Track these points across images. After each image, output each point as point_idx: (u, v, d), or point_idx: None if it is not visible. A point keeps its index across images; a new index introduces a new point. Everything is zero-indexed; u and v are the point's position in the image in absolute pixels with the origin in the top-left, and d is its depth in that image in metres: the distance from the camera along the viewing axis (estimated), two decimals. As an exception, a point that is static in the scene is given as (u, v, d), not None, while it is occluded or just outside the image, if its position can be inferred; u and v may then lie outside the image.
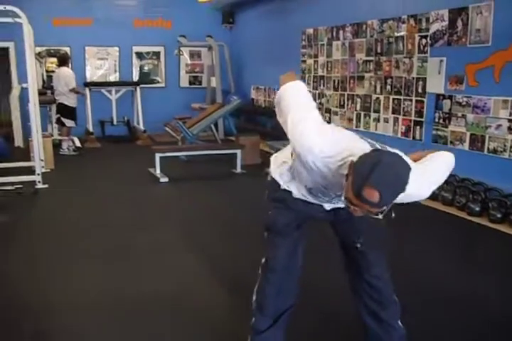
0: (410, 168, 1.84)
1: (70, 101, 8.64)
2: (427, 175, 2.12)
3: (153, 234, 4.60)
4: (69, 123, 8.70)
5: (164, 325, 2.97)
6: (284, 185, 2.34)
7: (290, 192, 2.32)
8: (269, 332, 2.46)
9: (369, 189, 1.76)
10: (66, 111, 8.66)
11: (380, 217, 1.90)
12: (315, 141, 1.97)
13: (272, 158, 2.49)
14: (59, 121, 8.80)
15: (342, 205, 2.22)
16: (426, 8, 6.00)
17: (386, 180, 1.78)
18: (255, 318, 2.50)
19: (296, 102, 2.16)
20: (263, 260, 2.46)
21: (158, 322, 3.00)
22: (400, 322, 2.47)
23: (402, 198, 1.87)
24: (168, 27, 10.93)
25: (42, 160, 6.77)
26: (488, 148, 5.34)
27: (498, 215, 4.86)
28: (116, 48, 10.86)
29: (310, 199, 2.29)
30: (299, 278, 2.47)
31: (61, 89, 8.56)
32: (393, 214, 2.16)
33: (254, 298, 2.51)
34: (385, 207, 1.84)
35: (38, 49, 9.88)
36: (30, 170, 6.35)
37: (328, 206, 2.32)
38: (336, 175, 1.96)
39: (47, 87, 9.50)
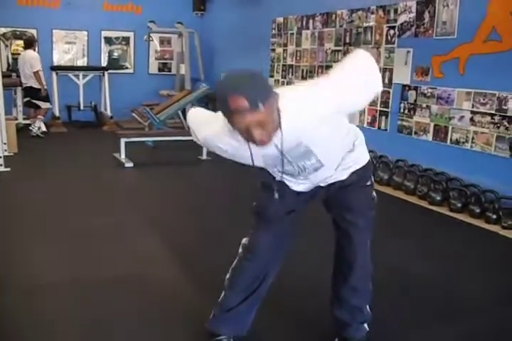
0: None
1: (34, 82, 8.51)
2: (343, 78, 2.01)
3: (114, 217, 4.57)
4: (45, 104, 8.68)
5: (126, 308, 2.96)
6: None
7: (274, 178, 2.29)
8: (238, 309, 2.42)
9: (231, 99, 1.72)
10: (37, 94, 8.58)
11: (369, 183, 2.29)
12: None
13: None
14: (29, 104, 8.71)
15: (323, 182, 2.28)
16: (394, -1, 6.05)
17: (239, 83, 1.77)
18: (224, 295, 2.46)
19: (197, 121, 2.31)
20: (245, 240, 2.43)
21: (121, 305, 2.99)
22: (368, 308, 2.51)
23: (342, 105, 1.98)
24: (139, 12, 10.79)
25: (5, 144, 6.66)
26: (451, 139, 5.43)
27: (458, 205, 4.95)
28: (85, 32, 10.67)
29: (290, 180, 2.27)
30: (281, 262, 2.45)
31: (28, 71, 8.44)
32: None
33: (228, 275, 2.47)
34: (260, 106, 1.74)
35: (3, 30, 9.69)
36: (-8, 153, 6.24)
37: (307, 186, 2.31)
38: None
39: (12, 70, 9.31)
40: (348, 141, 2.24)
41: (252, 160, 2.03)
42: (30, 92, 8.61)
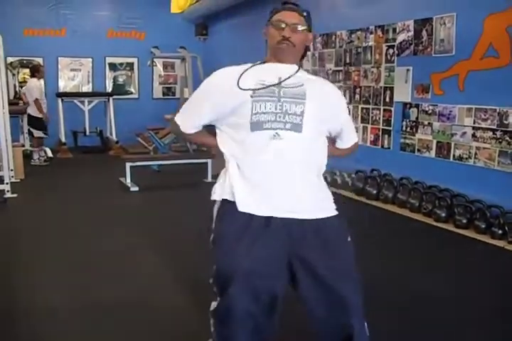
0: None
1: (36, 111, 8.51)
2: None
3: (120, 241, 4.58)
4: (37, 133, 8.62)
5: (127, 330, 2.96)
6: (239, 196, 2.00)
7: (249, 216, 1.97)
8: None
9: (287, 3, 2.12)
10: (33, 122, 8.59)
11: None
12: None
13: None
14: (29, 132, 8.75)
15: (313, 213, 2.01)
16: (392, 19, 6.12)
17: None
18: None
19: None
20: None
21: (122, 327, 2.99)
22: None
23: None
24: (142, 38, 10.97)
25: (12, 170, 6.73)
26: (453, 156, 5.44)
27: (464, 221, 4.94)
28: (90, 59, 10.85)
29: (276, 189, 1.99)
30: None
31: (29, 99, 8.52)
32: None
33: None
34: (305, 15, 2.12)
35: (10, 59, 9.85)
36: (0, 180, 6.30)
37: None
38: None
39: (19, 98, 9.45)
40: (321, 173, 2.13)
41: (239, 86, 2.01)
42: (29, 120, 8.64)
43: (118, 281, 3.68)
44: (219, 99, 2.06)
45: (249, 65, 2.13)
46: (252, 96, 2.01)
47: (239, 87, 2.02)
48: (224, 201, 2.06)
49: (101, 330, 2.95)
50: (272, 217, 1.98)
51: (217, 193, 2.11)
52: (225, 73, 2.14)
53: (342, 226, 2.10)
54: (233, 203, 2.01)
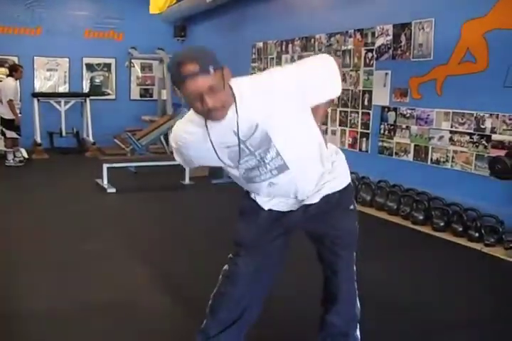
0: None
1: (5, 112, 8.32)
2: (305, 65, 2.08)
3: (99, 244, 4.51)
4: (10, 134, 8.46)
5: (108, 333, 2.92)
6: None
7: (255, 202, 2.23)
8: (218, 339, 2.31)
9: (183, 65, 1.78)
10: (5, 122, 8.41)
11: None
12: None
13: None
14: (1, 132, 8.59)
15: (304, 201, 2.18)
16: (371, 23, 6.16)
17: (190, 52, 1.92)
18: (206, 322, 2.36)
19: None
20: (226, 266, 2.34)
21: (103, 331, 2.95)
22: (358, 332, 2.46)
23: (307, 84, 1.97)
24: (120, 39, 10.89)
25: (-15, 171, 6.62)
26: (431, 159, 5.49)
27: (441, 223, 4.98)
28: (66, 59, 10.72)
29: (265, 192, 2.17)
30: (265, 292, 2.38)
31: (3, 99, 8.32)
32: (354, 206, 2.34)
33: (210, 301, 2.37)
34: (211, 69, 1.80)
35: (-16, 57, 9.70)
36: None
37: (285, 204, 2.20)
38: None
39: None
40: (324, 156, 2.16)
41: (216, 153, 2.01)
42: (1, 120, 8.47)
43: (99, 283, 3.64)
44: (204, 162, 2.25)
45: (197, 127, 1.99)
46: (230, 160, 2.08)
47: (218, 157, 2.05)
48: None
49: (88, 331, 2.93)
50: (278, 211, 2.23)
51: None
52: (189, 142, 2.08)
53: (342, 198, 2.26)
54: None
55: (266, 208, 2.21)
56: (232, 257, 2.32)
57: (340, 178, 2.24)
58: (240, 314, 2.31)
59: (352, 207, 2.33)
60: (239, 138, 1.97)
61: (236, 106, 1.91)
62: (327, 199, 2.20)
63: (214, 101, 1.83)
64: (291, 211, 2.21)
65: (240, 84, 1.95)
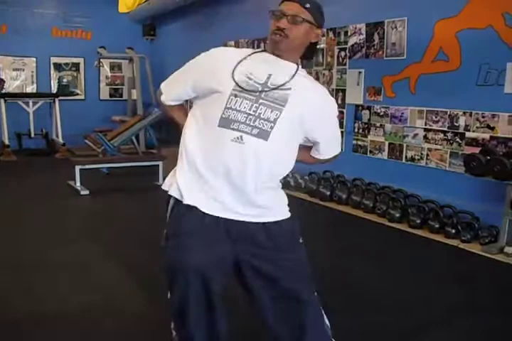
0: None
1: None
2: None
3: (73, 247, 4.43)
4: None
5: (87, 337, 2.88)
6: (185, 192, 1.97)
7: (196, 213, 1.95)
8: None
9: None
10: None
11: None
12: None
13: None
14: None
15: (262, 218, 1.98)
16: (344, 21, 6.19)
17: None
18: None
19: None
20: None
21: (82, 334, 2.90)
22: None
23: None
24: (88, 38, 10.73)
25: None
26: (406, 157, 5.55)
27: (418, 221, 5.03)
28: (34, 59, 10.51)
29: (227, 194, 1.94)
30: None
31: None
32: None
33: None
34: (308, 10, 1.93)
35: None
36: None
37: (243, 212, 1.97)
38: None
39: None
40: (279, 177, 2.06)
41: (234, 69, 1.92)
42: None
43: (74, 285, 3.58)
44: (206, 77, 1.98)
45: (249, 51, 2.01)
46: (233, 89, 1.91)
47: (232, 76, 1.92)
48: (175, 198, 2.02)
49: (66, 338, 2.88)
50: (221, 217, 1.96)
51: (167, 184, 2.08)
52: (226, 55, 2.03)
53: (294, 229, 2.10)
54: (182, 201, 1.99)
55: (189, 200, 1.96)
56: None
57: (286, 205, 2.12)
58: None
59: (301, 240, 2.13)
60: (267, 81, 1.93)
61: (296, 72, 1.97)
62: (279, 224, 2.04)
63: (287, 26, 1.91)
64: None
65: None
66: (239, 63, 1.94)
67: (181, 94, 2.10)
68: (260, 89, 1.92)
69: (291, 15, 1.90)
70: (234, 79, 1.91)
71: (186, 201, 1.97)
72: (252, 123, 1.89)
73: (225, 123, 1.89)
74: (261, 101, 1.91)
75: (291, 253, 2.06)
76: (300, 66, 2.00)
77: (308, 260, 2.11)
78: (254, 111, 1.90)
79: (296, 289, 2.04)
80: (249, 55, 1.98)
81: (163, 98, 2.15)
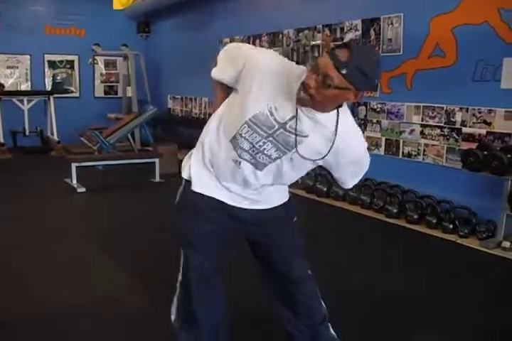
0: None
1: None
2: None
3: (71, 245, 4.42)
4: None
5: (86, 336, 2.88)
6: (195, 179, 2.10)
7: (202, 196, 2.10)
8: None
9: (352, 67, 1.70)
10: None
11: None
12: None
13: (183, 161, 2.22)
14: None
15: (260, 206, 2.13)
16: (340, 18, 6.19)
17: (373, 69, 1.80)
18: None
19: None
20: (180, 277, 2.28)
21: (80, 333, 2.91)
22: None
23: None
24: (82, 35, 10.69)
25: None
26: (402, 153, 5.56)
27: (415, 216, 5.05)
28: (28, 56, 10.47)
29: (232, 189, 2.07)
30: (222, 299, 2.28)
31: None
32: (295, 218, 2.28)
33: (173, 317, 2.28)
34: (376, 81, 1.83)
35: None
36: None
37: (247, 203, 2.11)
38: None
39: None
40: (288, 181, 2.14)
41: (260, 102, 1.88)
42: None
43: (73, 283, 3.58)
44: (252, 80, 1.91)
45: (300, 79, 1.83)
46: (249, 119, 1.91)
47: (258, 104, 1.89)
48: (188, 182, 2.14)
49: (67, 334, 2.88)
50: (226, 203, 2.11)
51: (183, 165, 2.18)
52: (277, 73, 1.90)
53: (288, 209, 2.24)
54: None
55: (195, 186, 2.10)
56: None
57: (286, 197, 2.25)
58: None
59: (295, 219, 2.29)
60: (285, 122, 1.90)
61: (337, 122, 1.91)
62: (275, 208, 2.19)
63: (315, 88, 1.75)
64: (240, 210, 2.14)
65: (348, 117, 2.01)
66: (275, 93, 1.88)
67: (229, 75, 2.04)
68: (276, 127, 1.91)
69: (323, 78, 1.74)
70: (256, 109, 1.90)
71: (195, 188, 2.11)
72: (254, 154, 1.97)
73: (234, 143, 1.98)
74: (270, 138, 1.93)
75: (286, 231, 2.25)
76: (338, 113, 1.92)
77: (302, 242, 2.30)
78: (260, 145, 1.95)
79: (288, 263, 2.24)
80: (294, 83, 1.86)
81: (213, 73, 2.11)
